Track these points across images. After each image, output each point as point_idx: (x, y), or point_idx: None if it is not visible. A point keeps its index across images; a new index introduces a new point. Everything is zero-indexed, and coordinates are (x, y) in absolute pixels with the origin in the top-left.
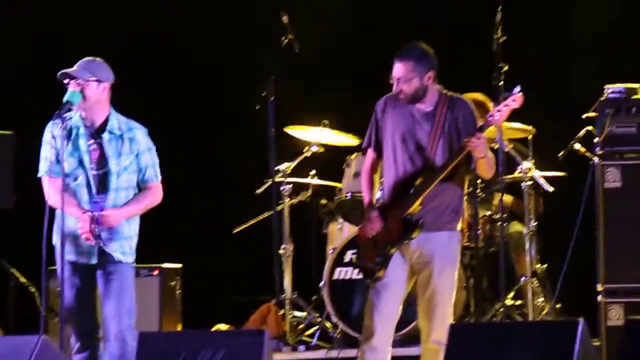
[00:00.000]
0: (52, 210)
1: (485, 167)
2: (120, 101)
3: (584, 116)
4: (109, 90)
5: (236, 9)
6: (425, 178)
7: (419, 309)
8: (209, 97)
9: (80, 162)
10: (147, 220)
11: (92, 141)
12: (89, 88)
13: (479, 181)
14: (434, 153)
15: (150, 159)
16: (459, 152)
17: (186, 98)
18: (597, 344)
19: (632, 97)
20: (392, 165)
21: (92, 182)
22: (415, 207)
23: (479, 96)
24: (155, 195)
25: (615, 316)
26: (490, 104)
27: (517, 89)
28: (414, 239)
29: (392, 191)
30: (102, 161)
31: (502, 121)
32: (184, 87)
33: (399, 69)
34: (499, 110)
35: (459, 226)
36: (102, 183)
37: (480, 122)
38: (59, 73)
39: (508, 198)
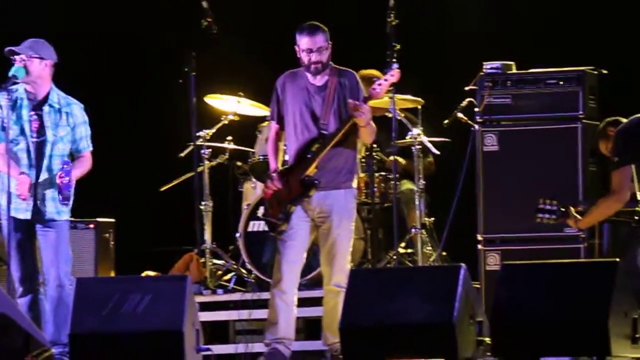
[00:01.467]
0: None
1: (367, 135)
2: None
3: (466, 89)
4: (51, 68)
5: None
6: (320, 144)
7: (321, 257)
8: (144, 72)
9: (22, 130)
10: (86, 179)
11: (33, 112)
12: (32, 64)
13: (374, 145)
14: (327, 122)
15: (85, 131)
16: (346, 121)
17: (123, 72)
18: (477, 286)
19: (507, 72)
20: (293, 134)
21: (31, 148)
22: (312, 169)
23: (374, 72)
24: (89, 162)
25: (493, 262)
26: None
27: (395, 65)
28: (312, 196)
29: (294, 156)
30: (41, 130)
31: (383, 94)
32: (120, 60)
33: (319, 39)
34: (379, 84)
35: (355, 184)
36: (40, 150)
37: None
38: (6, 49)
39: (401, 160)
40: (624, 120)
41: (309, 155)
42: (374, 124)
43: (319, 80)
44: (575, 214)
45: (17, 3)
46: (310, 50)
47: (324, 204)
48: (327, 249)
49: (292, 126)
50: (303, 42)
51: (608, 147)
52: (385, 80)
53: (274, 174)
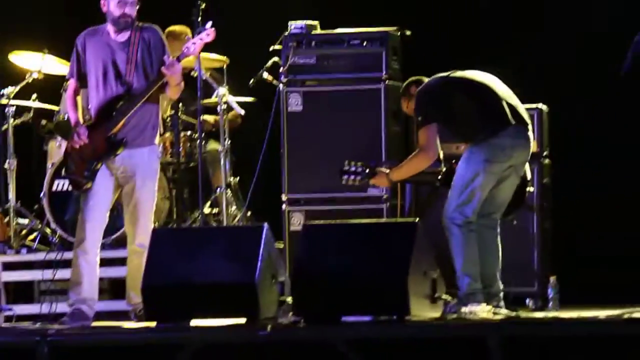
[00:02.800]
0: None
1: (175, 92)
2: None
3: (270, 48)
4: None
5: None
6: (126, 101)
7: (125, 217)
8: None
9: None
10: None
11: None
12: None
13: (180, 105)
14: (132, 78)
15: None
16: (156, 80)
17: None
18: (282, 246)
19: (312, 33)
20: (95, 91)
21: None
22: (119, 127)
23: (180, 28)
24: None
25: (297, 222)
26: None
27: (209, 24)
28: (118, 155)
29: (97, 113)
30: None
31: (197, 52)
32: None
33: None
34: (194, 43)
35: (158, 141)
36: None
37: (177, 52)
38: None
39: (210, 118)
40: (426, 79)
41: (114, 113)
42: (182, 83)
43: (121, 36)
44: (384, 170)
45: None
46: (124, 3)
47: (128, 164)
48: (130, 209)
49: (95, 83)
50: None
51: (409, 105)
52: (200, 39)
53: (78, 128)
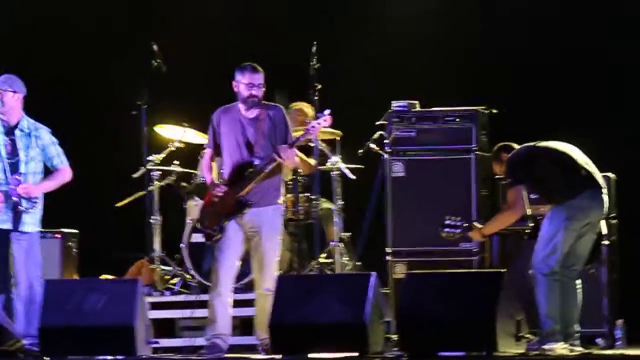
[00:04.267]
0: None
1: (302, 167)
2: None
3: (377, 123)
4: (22, 100)
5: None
6: (254, 169)
7: (252, 265)
8: (100, 107)
9: None
10: (54, 195)
11: (7, 137)
12: (6, 97)
13: (299, 170)
14: (259, 149)
15: (55, 151)
16: (272, 160)
17: (91, 105)
18: (387, 291)
19: (412, 110)
20: (229, 160)
21: (6, 168)
22: (247, 190)
23: (303, 104)
24: (64, 176)
25: (400, 271)
26: (308, 110)
27: (327, 111)
28: (245, 213)
29: (230, 178)
30: (13, 152)
31: (316, 135)
32: (88, 95)
33: (260, 77)
34: (313, 127)
35: (281, 201)
36: (14, 169)
37: (298, 124)
38: None
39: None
40: (515, 145)
41: (243, 178)
42: (298, 158)
43: (250, 113)
44: (477, 225)
45: None
46: (252, 85)
47: (255, 220)
48: (257, 259)
49: (228, 154)
50: (246, 77)
51: (501, 168)
52: (319, 123)
53: (218, 184)
